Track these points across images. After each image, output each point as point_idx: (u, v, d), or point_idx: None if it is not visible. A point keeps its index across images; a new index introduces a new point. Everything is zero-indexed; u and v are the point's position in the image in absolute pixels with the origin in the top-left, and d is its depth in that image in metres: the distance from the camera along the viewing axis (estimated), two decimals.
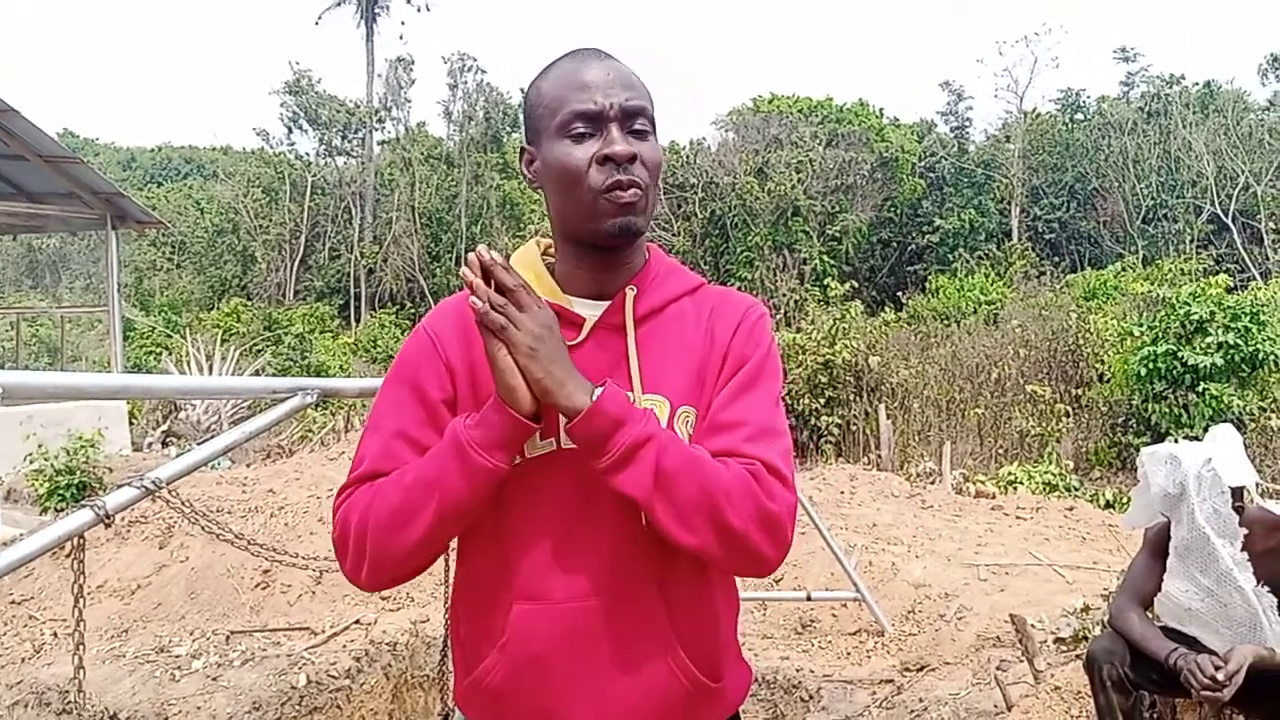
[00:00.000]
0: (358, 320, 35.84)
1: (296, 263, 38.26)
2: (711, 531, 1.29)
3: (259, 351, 19.19)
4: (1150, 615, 3.19)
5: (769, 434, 1.39)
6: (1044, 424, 13.29)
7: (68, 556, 2.47)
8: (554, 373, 1.28)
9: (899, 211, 35.99)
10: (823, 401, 13.96)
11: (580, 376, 1.30)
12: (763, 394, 1.43)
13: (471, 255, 1.30)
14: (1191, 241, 31.39)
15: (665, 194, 32.83)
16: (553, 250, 1.51)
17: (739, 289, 1.61)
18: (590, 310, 1.44)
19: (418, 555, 1.37)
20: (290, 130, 40.99)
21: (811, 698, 4.93)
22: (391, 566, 1.38)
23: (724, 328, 1.47)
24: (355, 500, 1.39)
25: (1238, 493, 2.92)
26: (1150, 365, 12.48)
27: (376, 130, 41.45)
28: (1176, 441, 3.17)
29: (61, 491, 9.51)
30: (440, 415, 1.42)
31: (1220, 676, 2.70)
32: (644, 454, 1.28)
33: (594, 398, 1.28)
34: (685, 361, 1.44)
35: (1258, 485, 3.11)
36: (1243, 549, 2.86)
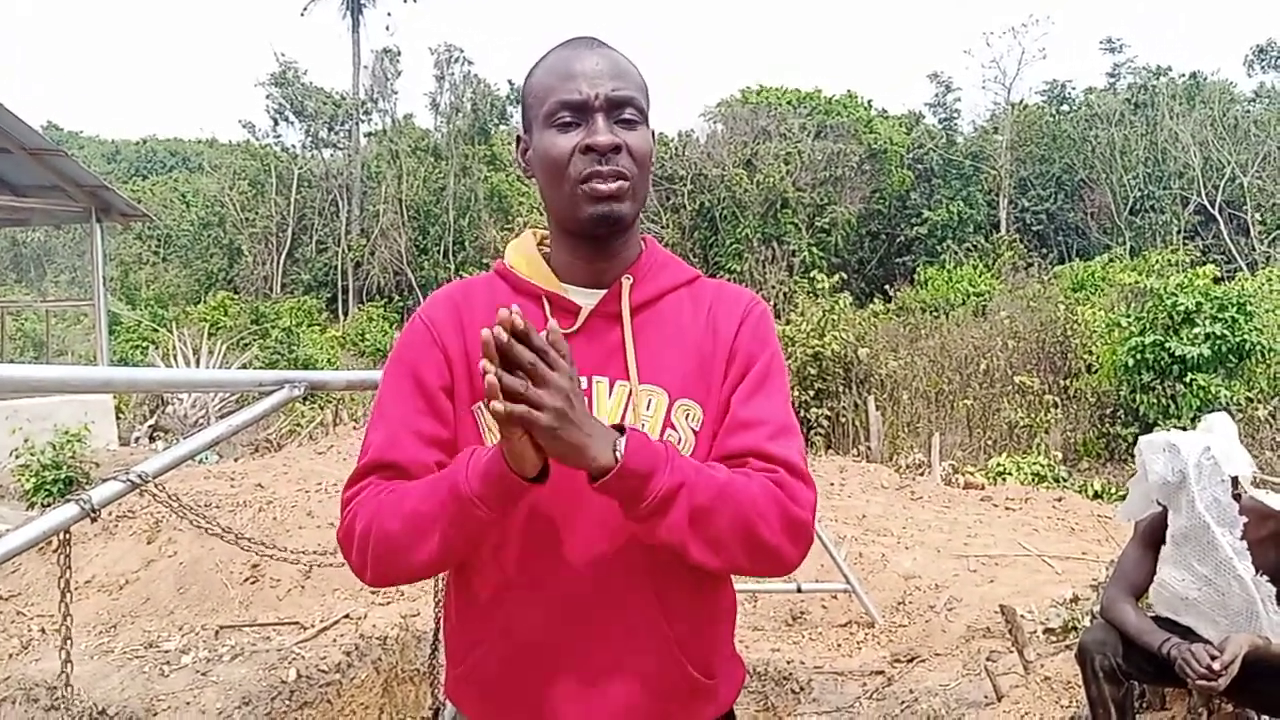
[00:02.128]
0: (345, 313, 35.68)
1: (283, 256, 38.05)
2: (743, 551, 1.30)
3: (246, 345, 19.09)
4: (1144, 604, 3.20)
5: (787, 431, 1.40)
6: (1032, 415, 13.33)
7: (54, 552, 2.45)
8: (575, 443, 1.19)
9: (887, 203, 36.01)
10: (812, 393, 13.98)
11: (600, 429, 1.22)
12: (778, 391, 1.44)
13: (491, 331, 1.15)
14: (1178, 232, 31.49)
15: (654, 186, 32.75)
16: (548, 241, 1.51)
17: (728, 281, 1.60)
18: (586, 299, 1.44)
19: (422, 574, 1.37)
20: (276, 122, 40.74)
21: (802, 689, 4.94)
22: (396, 578, 1.38)
23: (727, 323, 1.46)
24: (362, 505, 1.37)
25: (1234, 481, 2.93)
26: (1138, 356, 12.52)
27: (363, 122, 41.23)
28: (1168, 431, 3.17)
29: (48, 486, 9.44)
30: (440, 403, 1.42)
31: (1216, 666, 2.70)
32: (678, 501, 1.26)
33: (617, 453, 1.22)
34: (684, 353, 1.43)
35: (1253, 476, 3.11)
36: (1241, 537, 2.87)
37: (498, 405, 1.14)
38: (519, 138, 1.49)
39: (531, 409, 1.15)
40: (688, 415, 1.40)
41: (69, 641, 2.45)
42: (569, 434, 1.18)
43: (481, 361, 1.15)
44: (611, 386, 1.40)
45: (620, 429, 1.25)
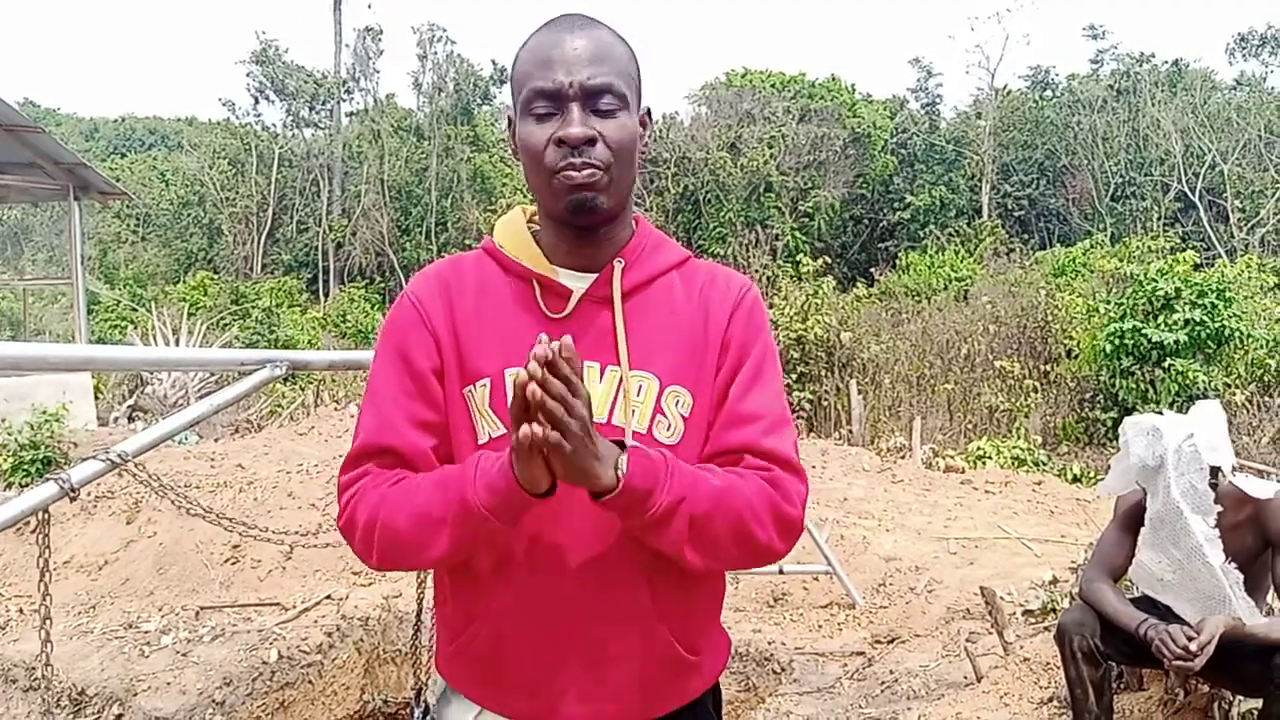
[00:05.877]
0: (326, 294, 35.46)
1: (264, 236, 37.77)
2: (737, 552, 1.35)
3: (226, 325, 18.94)
4: (1125, 585, 3.23)
5: (782, 424, 1.42)
6: (1013, 399, 13.40)
7: (33, 532, 2.43)
8: (586, 467, 1.20)
9: (870, 188, 36.05)
10: (794, 377, 14.01)
11: (607, 449, 1.24)
12: (772, 381, 1.45)
13: (540, 350, 1.14)
14: (1159, 219, 31.68)
15: (638, 169, 32.58)
16: (537, 219, 1.50)
17: (717, 264, 1.59)
18: (577, 282, 1.42)
19: (433, 567, 1.45)
20: (257, 101, 40.48)
21: (783, 670, 4.97)
22: (404, 568, 1.45)
23: (719, 309, 1.45)
24: (362, 497, 1.38)
25: (1214, 471, 2.95)
26: (1117, 341, 12.59)
27: (345, 101, 40.92)
28: (1156, 414, 3.19)
29: (26, 466, 9.36)
30: (430, 386, 1.42)
31: (1193, 647, 2.73)
32: (678, 514, 1.28)
33: (620, 473, 1.23)
34: (675, 339, 1.42)
35: (1233, 467, 3.13)
36: (1215, 525, 2.89)
37: (526, 431, 1.14)
38: (510, 118, 1.47)
39: (563, 436, 1.16)
40: (677, 402, 1.40)
41: (49, 622, 2.43)
42: (584, 459, 1.19)
43: (530, 387, 1.14)
44: (603, 372, 1.39)
45: (621, 444, 1.26)
